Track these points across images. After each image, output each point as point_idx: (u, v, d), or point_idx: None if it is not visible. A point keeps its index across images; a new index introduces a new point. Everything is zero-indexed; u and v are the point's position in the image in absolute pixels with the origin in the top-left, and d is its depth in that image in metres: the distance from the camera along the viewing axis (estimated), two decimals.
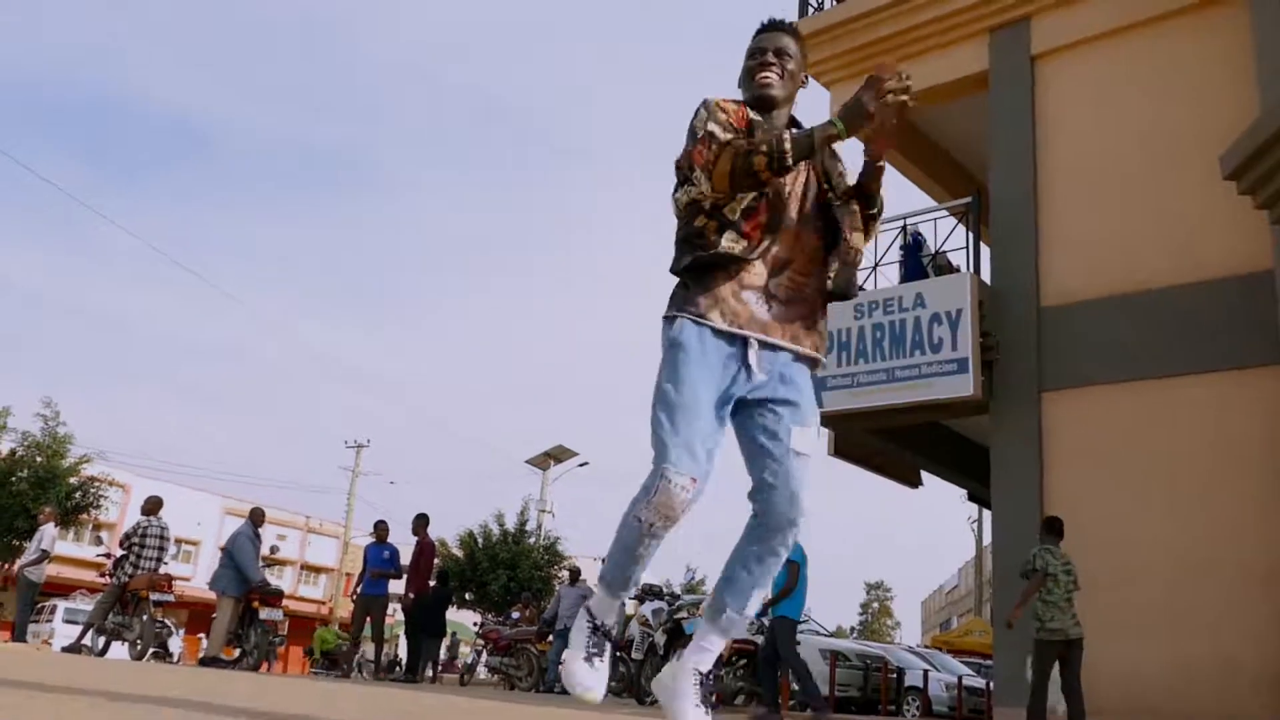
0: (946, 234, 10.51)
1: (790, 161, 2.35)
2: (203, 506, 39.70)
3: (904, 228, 10.16)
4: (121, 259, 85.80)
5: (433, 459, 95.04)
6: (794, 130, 2.49)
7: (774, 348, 2.47)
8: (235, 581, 10.85)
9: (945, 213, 10.15)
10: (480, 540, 29.88)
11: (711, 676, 2.57)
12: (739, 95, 2.66)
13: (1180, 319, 8.39)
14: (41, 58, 79.55)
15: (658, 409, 2.40)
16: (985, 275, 9.69)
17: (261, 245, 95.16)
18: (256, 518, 11.60)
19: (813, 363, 2.55)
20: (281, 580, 43.12)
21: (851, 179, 2.63)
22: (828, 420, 10.24)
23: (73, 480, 22.67)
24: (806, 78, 2.73)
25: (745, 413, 2.49)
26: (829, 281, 2.56)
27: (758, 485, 2.47)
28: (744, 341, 2.44)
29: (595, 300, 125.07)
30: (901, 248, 10.33)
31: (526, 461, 34.44)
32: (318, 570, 48.76)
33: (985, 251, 10.17)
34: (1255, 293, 7.92)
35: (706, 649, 2.56)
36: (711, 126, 2.46)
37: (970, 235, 9.69)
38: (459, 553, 29.86)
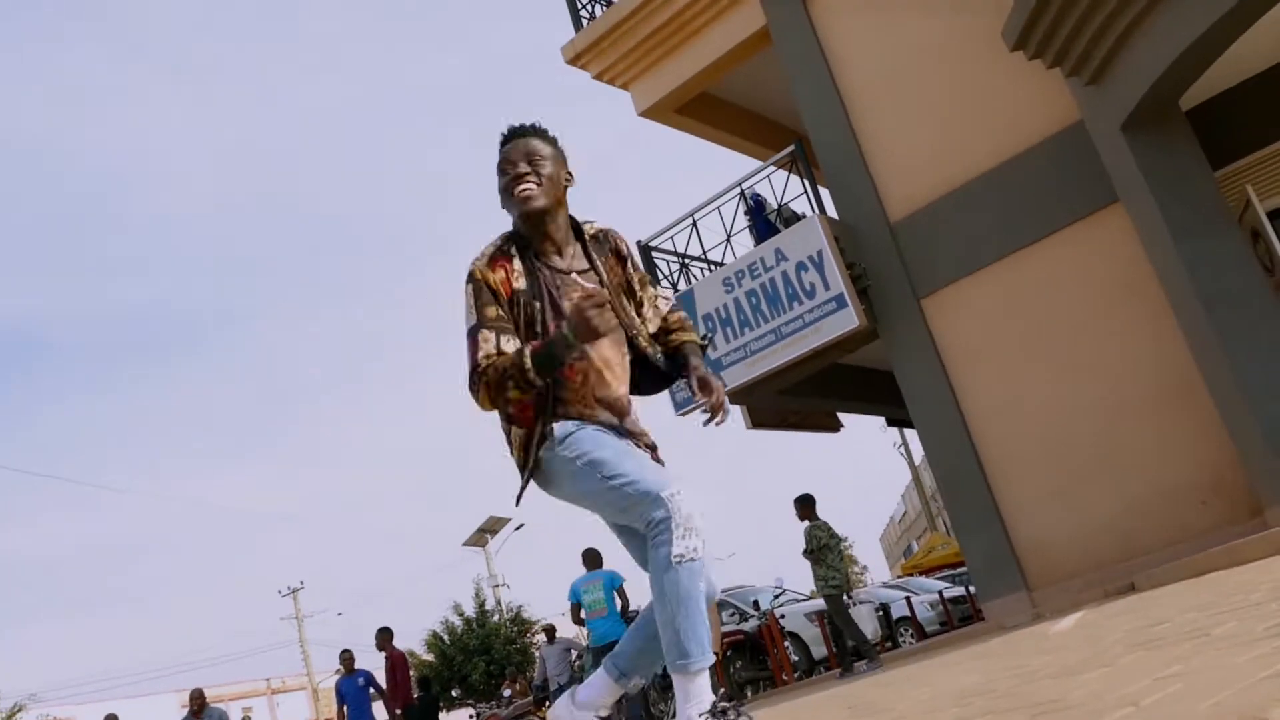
0: (783, 188, 10.81)
1: (540, 380, 2.38)
2: (160, 708, 37.88)
3: (741, 193, 10.37)
4: None
5: (371, 576, 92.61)
6: (533, 349, 2.40)
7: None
8: None
9: (774, 168, 10.39)
10: (446, 637, 29.31)
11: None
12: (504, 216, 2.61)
13: (1016, 192, 8.76)
14: None
15: (605, 480, 2.38)
16: (832, 214, 9.96)
17: (110, 423, 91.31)
18: (194, 701, 11.17)
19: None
20: None
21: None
22: (734, 396, 10.37)
23: None
24: (571, 174, 2.62)
25: None
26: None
27: None
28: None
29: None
30: (746, 213, 10.54)
31: (464, 545, 33.92)
32: None
33: (825, 195, 10.45)
34: (1072, 146, 8.33)
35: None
36: (475, 322, 2.46)
37: (805, 181, 9.95)
38: (430, 657, 29.22)
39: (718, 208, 10.44)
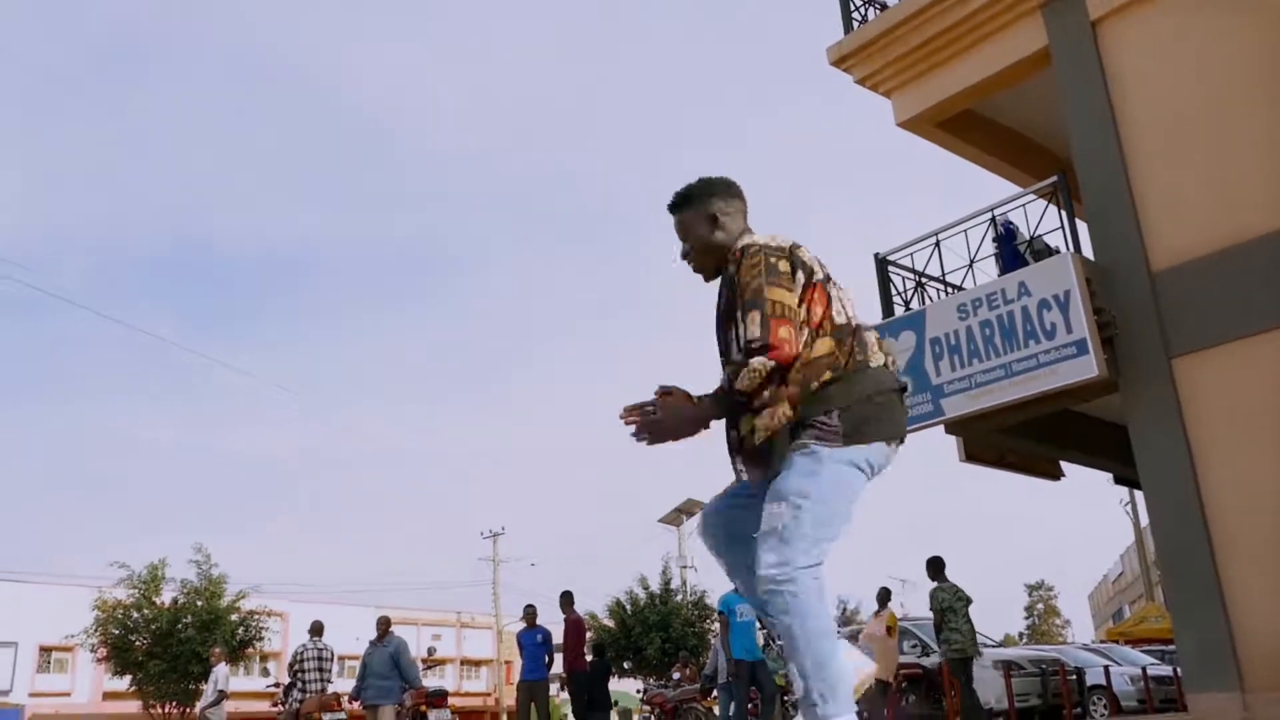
0: (1038, 219, 10.29)
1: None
2: (360, 620, 40.69)
3: (993, 219, 9.95)
4: (227, 399, 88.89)
5: (570, 533, 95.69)
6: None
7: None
8: (395, 690, 11.07)
9: (1033, 196, 9.91)
10: (629, 607, 29.90)
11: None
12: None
13: None
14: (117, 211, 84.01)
15: (843, 510, 2.58)
16: (1087, 253, 9.41)
17: (358, 354, 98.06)
18: (380, 625, 11.82)
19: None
20: (444, 679, 43.73)
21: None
22: (951, 427, 10.02)
23: (234, 617, 23.56)
24: (714, 215, 2.80)
25: None
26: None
27: None
28: None
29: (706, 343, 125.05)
30: (994, 240, 10.11)
31: (659, 521, 34.46)
32: (477, 664, 49.35)
33: (1083, 229, 9.89)
34: None
35: None
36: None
37: (1063, 214, 9.43)
38: (610, 623, 29.90)
39: (964, 230, 10.06)
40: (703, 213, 2.78)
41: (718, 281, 2.83)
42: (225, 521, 77.67)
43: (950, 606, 10.27)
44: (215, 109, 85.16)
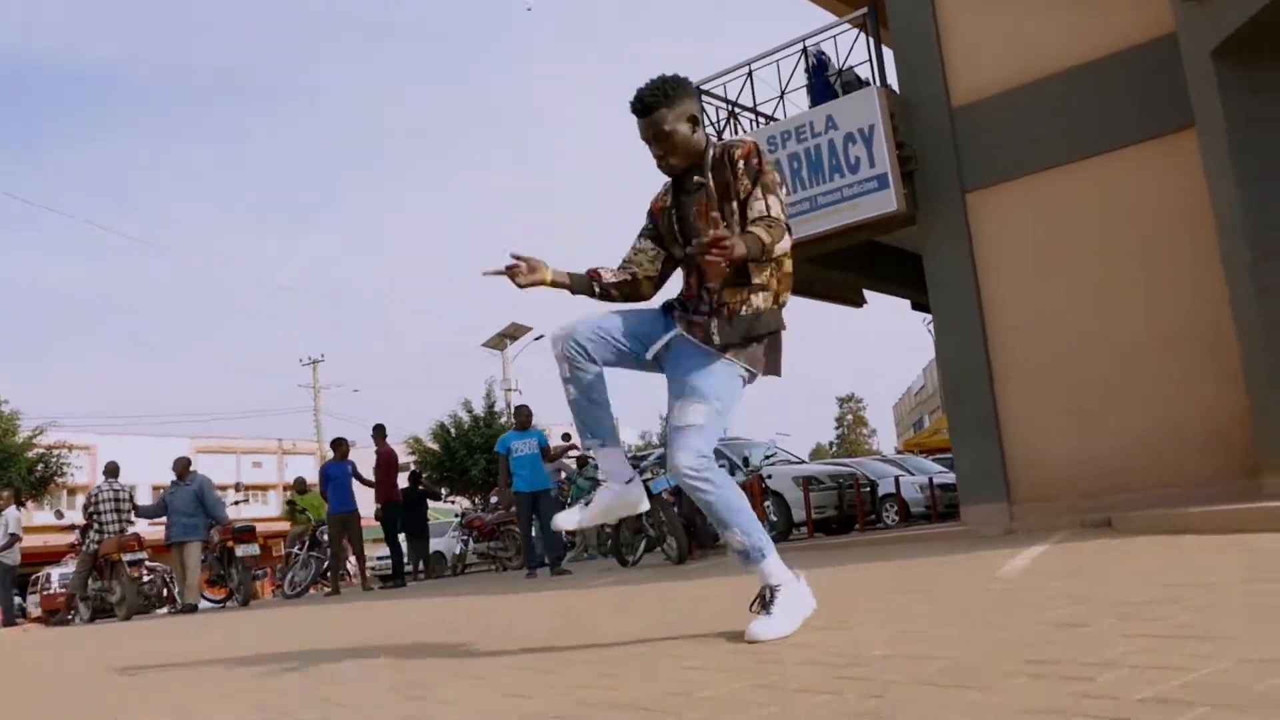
0: (848, 49, 10.28)
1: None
2: (173, 452, 39.55)
3: (804, 50, 9.85)
4: (26, 225, 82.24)
5: (392, 359, 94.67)
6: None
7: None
8: (200, 527, 10.87)
9: (845, 26, 9.84)
10: (453, 430, 30.06)
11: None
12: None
13: (1088, 98, 8.28)
14: None
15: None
16: (894, 85, 9.48)
17: (167, 173, 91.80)
18: (178, 468, 11.48)
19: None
20: (267, 505, 43.37)
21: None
22: None
23: (30, 455, 22.43)
24: (696, 116, 2.94)
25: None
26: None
27: None
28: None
29: (528, 175, 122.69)
30: (806, 71, 10.05)
31: (483, 345, 34.33)
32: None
33: (891, 67, 9.92)
34: (1158, 59, 7.79)
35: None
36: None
37: (873, 46, 9.42)
38: (435, 446, 30.06)
39: (777, 61, 9.95)
40: (683, 113, 2.90)
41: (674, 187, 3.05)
42: (26, 355, 73.12)
43: None
44: None
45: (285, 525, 16.07)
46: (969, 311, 8.83)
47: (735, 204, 2.88)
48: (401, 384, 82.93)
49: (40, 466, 22.54)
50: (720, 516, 2.80)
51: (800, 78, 9.98)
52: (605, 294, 3.05)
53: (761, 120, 10.40)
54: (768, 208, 2.82)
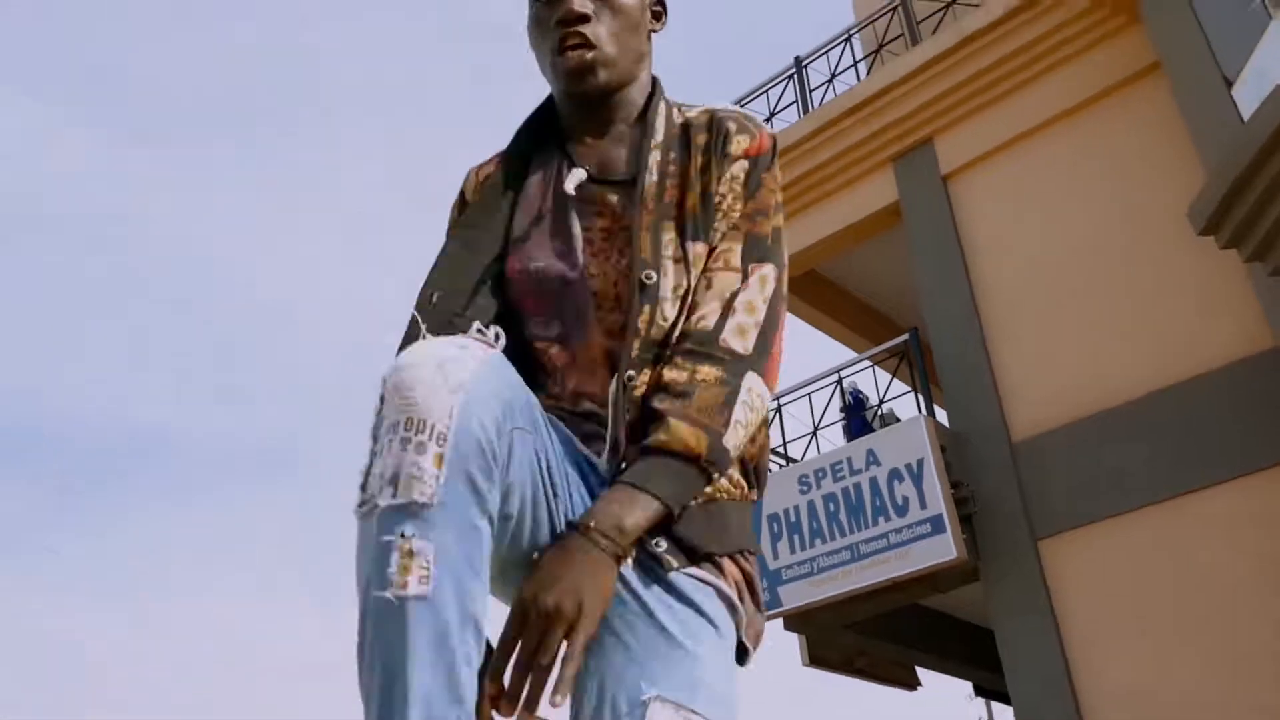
0: (885, 386, 9.24)
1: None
2: None
3: (839, 382, 8.85)
4: None
5: None
6: None
7: None
8: None
9: (885, 355, 8.92)
10: None
11: None
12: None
13: (1172, 428, 7.02)
14: None
15: None
16: (941, 419, 8.35)
17: None
18: None
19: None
20: None
21: None
22: (792, 622, 8.57)
23: None
24: (659, 13, 1.47)
25: None
26: None
27: None
28: None
29: None
30: (842, 409, 9.01)
31: None
32: None
33: (939, 401, 8.87)
34: (1256, 378, 6.63)
35: None
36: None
37: (916, 376, 8.41)
38: None
39: (808, 395, 8.93)
40: None
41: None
42: None
43: None
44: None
45: None
46: (1058, 691, 7.02)
47: (696, 241, 1.31)
48: None
49: None
50: None
51: (831, 414, 8.93)
52: None
53: (790, 461, 9.21)
54: (759, 282, 1.30)
